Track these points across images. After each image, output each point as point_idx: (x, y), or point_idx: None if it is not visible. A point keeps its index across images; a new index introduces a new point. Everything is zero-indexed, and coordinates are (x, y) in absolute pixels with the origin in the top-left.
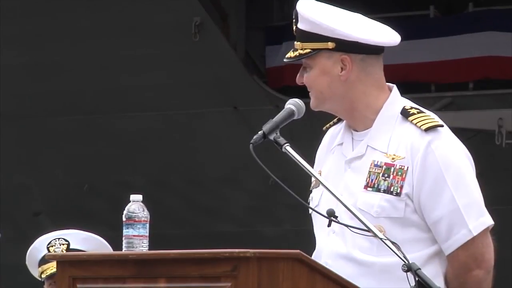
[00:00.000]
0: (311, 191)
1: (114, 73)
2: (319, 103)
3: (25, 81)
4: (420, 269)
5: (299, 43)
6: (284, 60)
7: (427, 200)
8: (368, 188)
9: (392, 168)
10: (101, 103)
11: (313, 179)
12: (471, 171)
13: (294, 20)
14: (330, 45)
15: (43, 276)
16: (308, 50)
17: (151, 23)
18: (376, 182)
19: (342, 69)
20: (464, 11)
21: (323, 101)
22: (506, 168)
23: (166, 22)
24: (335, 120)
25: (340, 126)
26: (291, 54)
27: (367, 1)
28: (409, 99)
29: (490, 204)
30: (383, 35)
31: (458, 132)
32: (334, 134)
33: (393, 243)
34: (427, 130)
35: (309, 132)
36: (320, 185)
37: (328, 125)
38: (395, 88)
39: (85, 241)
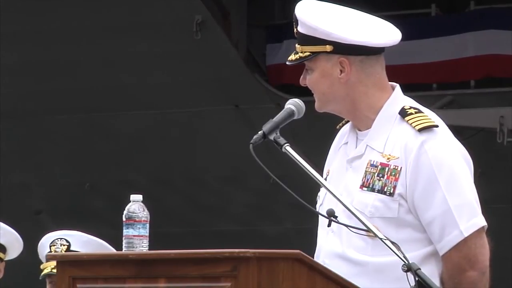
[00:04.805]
0: (319, 190)
1: (115, 71)
2: (322, 104)
3: (26, 79)
4: (420, 269)
5: (299, 46)
6: (287, 63)
7: (420, 200)
8: (364, 188)
9: (387, 168)
10: (102, 101)
11: (323, 176)
12: (465, 171)
13: (294, 23)
14: (328, 48)
15: (41, 274)
16: (307, 53)
17: (152, 21)
18: (371, 182)
19: (341, 71)
20: (466, 10)
21: (326, 103)
22: (507, 166)
23: (168, 20)
24: (346, 119)
25: (349, 126)
26: (292, 57)
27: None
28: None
29: (491, 202)
30: (382, 35)
31: (460, 130)
32: (343, 134)
33: (393, 243)
34: (421, 130)
35: (310, 131)
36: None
37: (341, 123)
38: (397, 87)
39: (86, 244)
